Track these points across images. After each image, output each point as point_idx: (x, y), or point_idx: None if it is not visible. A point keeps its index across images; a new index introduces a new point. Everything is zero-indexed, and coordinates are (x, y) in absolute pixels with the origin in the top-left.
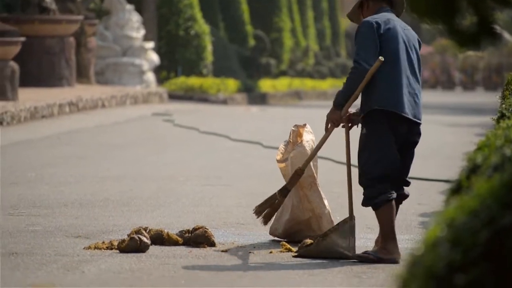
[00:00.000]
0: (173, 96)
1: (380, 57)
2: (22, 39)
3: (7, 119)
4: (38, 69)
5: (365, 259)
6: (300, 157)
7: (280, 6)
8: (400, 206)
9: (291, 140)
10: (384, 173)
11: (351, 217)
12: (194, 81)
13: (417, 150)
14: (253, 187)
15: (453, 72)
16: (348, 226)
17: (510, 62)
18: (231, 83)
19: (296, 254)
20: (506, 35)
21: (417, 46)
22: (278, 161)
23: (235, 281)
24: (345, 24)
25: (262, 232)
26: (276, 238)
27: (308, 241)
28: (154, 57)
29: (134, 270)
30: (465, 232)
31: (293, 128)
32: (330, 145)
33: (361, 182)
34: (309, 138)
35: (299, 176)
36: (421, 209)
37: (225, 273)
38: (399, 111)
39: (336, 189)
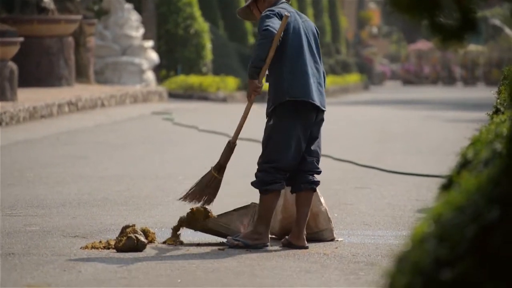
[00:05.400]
0: (173, 95)
1: (286, 13)
2: (21, 39)
3: (6, 119)
4: (37, 69)
5: (232, 244)
6: None
7: None
8: (398, 202)
9: None
10: (283, 165)
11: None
12: (193, 79)
13: (418, 146)
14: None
15: (453, 67)
16: (244, 210)
17: (511, 57)
18: (231, 81)
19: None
20: (506, 29)
21: (316, 36)
22: None
23: (232, 280)
24: (345, 21)
25: None
26: (272, 236)
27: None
28: (154, 56)
29: (131, 269)
30: (452, 227)
31: None
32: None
33: (259, 164)
34: None
35: (231, 150)
36: (419, 205)
37: (221, 272)
38: (309, 99)
39: (335, 186)
